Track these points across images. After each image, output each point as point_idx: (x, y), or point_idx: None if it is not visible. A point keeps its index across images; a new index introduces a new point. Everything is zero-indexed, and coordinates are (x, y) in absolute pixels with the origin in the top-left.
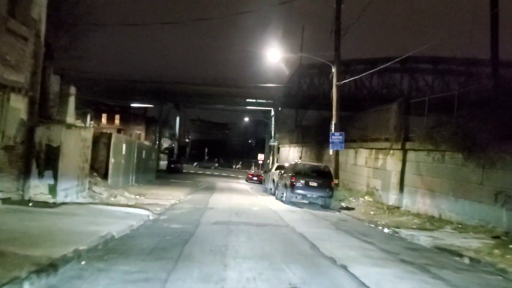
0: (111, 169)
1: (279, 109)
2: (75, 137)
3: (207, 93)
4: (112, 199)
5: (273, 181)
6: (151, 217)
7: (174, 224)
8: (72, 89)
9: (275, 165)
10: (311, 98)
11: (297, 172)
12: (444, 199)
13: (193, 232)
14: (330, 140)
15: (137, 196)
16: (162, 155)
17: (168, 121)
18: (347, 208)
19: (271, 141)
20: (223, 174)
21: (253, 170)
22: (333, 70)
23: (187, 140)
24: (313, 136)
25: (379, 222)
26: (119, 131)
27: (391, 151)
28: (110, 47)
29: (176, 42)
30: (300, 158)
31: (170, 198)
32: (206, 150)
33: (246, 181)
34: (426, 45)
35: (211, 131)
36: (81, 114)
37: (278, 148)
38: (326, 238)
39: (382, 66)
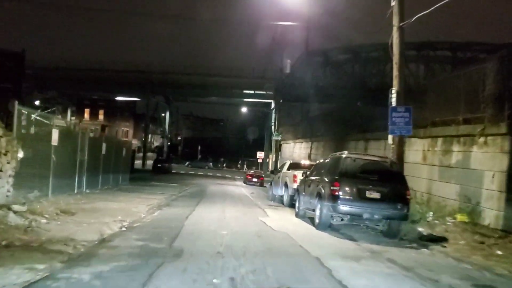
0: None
1: (280, 101)
2: None
3: (200, 83)
4: None
5: (286, 185)
6: None
7: None
8: None
9: (287, 163)
10: (316, 89)
11: (343, 173)
12: None
13: None
14: (390, 119)
15: (43, 220)
16: (150, 154)
17: (157, 117)
18: (433, 239)
19: (274, 136)
20: (218, 174)
21: (252, 170)
22: (393, 3)
23: (179, 138)
24: (330, 127)
25: None
26: (103, 127)
27: (482, 139)
28: (91, 33)
29: (165, 27)
30: (310, 156)
31: (119, 218)
32: (199, 148)
33: (244, 183)
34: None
35: (205, 128)
36: (62, 109)
37: (280, 145)
38: None
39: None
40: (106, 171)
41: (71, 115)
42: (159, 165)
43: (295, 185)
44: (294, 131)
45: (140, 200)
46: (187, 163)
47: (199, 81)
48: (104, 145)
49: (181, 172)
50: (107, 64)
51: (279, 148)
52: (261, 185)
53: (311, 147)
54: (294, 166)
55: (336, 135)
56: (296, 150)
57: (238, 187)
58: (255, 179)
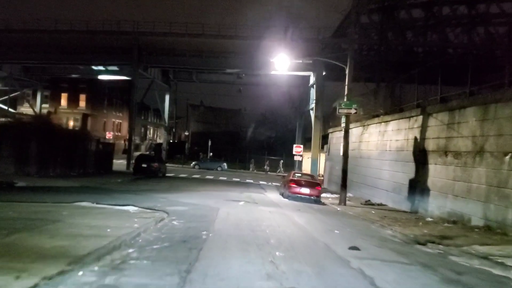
0: None
1: (323, 73)
2: None
3: (208, 48)
4: None
5: None
6: None
7: None
8: None
9: None
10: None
11: None
12: None
13: None
14: None
15: None
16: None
17: (152, 104)
18: None
19: (342, 105)
20: (234, 178)
21: (297, 173)
22: None
23: (186, 133)
24: None
25: None
26: (85, 117)
27: None
28: None
29: None
30: (422, 144)
31: None
32: (210, 144)
33: (284, 196)
34: None
35: (218, 120)
36: (31, 92)
37: (325, 136)
38: None
39: None
40: None
41: (42, 101)
42: (143, 165)
43: None
44: (365, 105)
45: None
46: (193, 163)
47: (207, 45)
48: None
49: (181, 175)
50: (78, 24)
51: (323, 141)
52: (317, 201)
53: (423, 126)
54: None
55: None
56: (371, 137)
57: (281, 210)
58: (305, 189)
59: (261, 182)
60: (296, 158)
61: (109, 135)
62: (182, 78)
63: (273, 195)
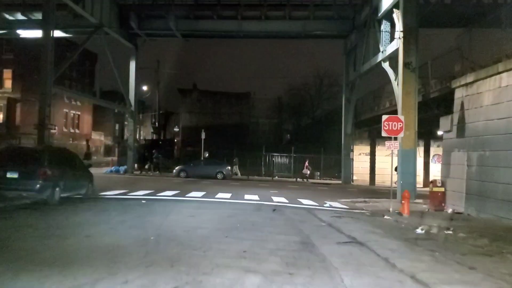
0: None
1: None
2: None
3: None
4: None
5: None
6: None
7: None
8: None
9: None
10: None
11: None
12: None
13: None
14: None
15: None
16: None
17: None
18: None
19: None
20: (248, 197)
21: None
22: None
23: (176, 129)
24: None
25: None
26: (11, 104)
27: None
28: None
29: None
30: None
31: None
32: (203, 136)
33: None
34: None
35: (219, 109)
36: None
37: (426, 103)
38: None
39: None
40: None
41: None
42: (8, 175)
43: None
44: None
45: None
46: (176, 169)
47: None
48: None
49: (134, 196)
50: None
51: (421, 113)
52: None
53: None
54: None
55: None
56: None
57: None
58: None
59: (305, 204)
60: (395, 147)
61: (54, 131)
62: (154, 29)
63: None
